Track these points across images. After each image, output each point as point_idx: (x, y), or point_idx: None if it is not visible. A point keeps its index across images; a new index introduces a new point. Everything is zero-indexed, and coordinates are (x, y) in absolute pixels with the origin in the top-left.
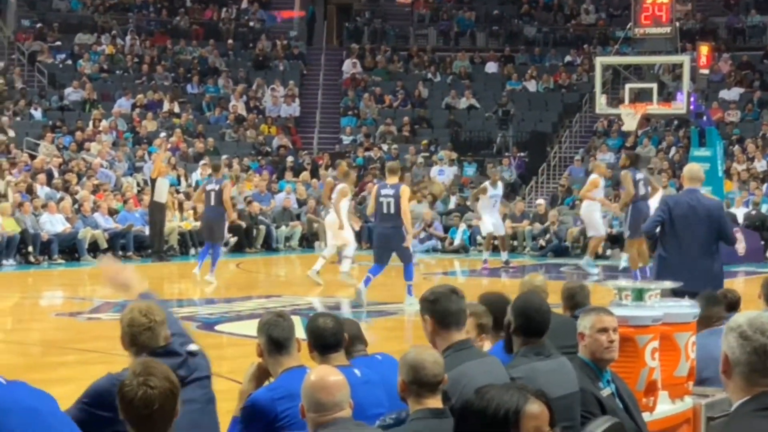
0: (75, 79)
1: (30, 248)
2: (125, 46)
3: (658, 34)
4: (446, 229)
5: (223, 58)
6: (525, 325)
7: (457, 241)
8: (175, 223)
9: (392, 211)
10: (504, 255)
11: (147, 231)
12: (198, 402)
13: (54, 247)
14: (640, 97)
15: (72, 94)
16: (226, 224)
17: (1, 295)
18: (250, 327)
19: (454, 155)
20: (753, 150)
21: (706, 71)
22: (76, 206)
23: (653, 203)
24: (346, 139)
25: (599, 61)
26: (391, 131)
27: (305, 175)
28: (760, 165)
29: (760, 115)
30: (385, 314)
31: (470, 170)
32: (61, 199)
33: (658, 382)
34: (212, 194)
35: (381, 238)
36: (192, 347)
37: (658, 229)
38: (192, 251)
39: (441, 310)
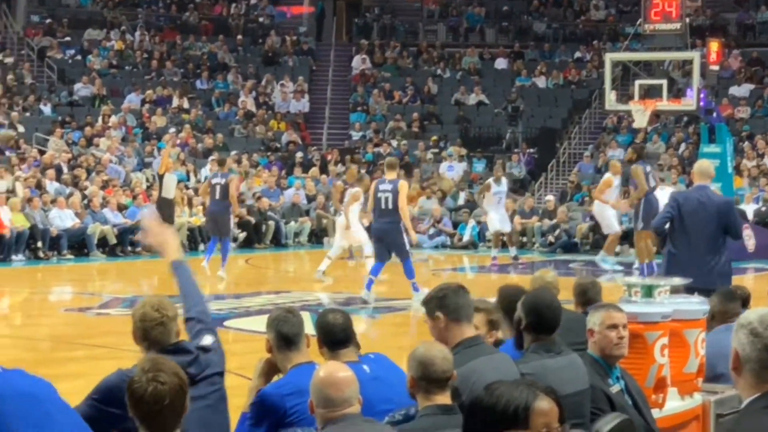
0: (84, 74)
1: (39, 243)
2: (134, 41)
3: (668, 30)
4: (455, 225)
5: (232, 54)
6: (536, 322)
7: (466, 237)
8: (184, 218)
9: (390, 206)
10: (512, 250)
11: None
12: (209, 400)
13: (63, 242)
14: (650, 93)
15: (81, 89)
16: (232, 218)
17: (11, 290)
18: (259, 323)
19: (464, 151)
20: (763, 146)
21: (716, 67)
22: (85, 202)
23: (659, 195)
24: (356, 135)
25: (609, 57)
26: (400, 127)
27: (314, 170)
28: None
29: None
30: (393, 310)
31: (479, 166)
32: (71, 194)
33: (668, 379)
34: (218, 188)
35: (378, 233)
36: (206, 341)
37: (667, 226)
38: (201, 247)
39: (452, 305)
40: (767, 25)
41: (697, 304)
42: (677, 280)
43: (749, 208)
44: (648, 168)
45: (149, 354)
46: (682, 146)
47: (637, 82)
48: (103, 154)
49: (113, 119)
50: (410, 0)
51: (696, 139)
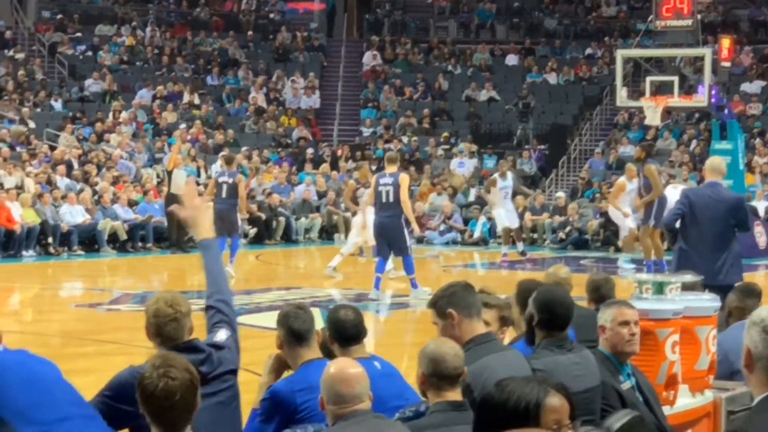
0: (95, 70)
1: (50, 239)
2: (145, 37)
3: (680, 26)
4: (466, 222)
5: (243, 50)
6: (548, 318)
7: (476, 234)
8: None
9: (391, 199)
10: (519, 246)
11: (166, 223)
12: (221, 397)
13: (74, 238)
14: (661, 89)
15: (92, 85)
16: (239, 216)
17: (21, 286)
18: (270, 319)
19: (474, 147)
20: None
21: (727, 64)
22: (95, 197)
23: (671, 193)
24: (366, 131)
25: (620, 53)
26: (411, 123)
27: (325, 167)
28: None
29: None
30: (404, 307)
31: (490, 162)
32: (81, 190)
33: (679, 376)
34: (224, 186)
35: (379, 227)
36: (219, 336)
37: (678, 223)
38: None
39: (462, 302)
40: None
41: (709, 301)
42: (688, 277)
43: (761, 205)
44: (658, 166)
45: (161, 350)
46: (693, 143)
47: (649, 79)
48: (113, 150)
49: (124, 115)
50: None
51: (707, 136)
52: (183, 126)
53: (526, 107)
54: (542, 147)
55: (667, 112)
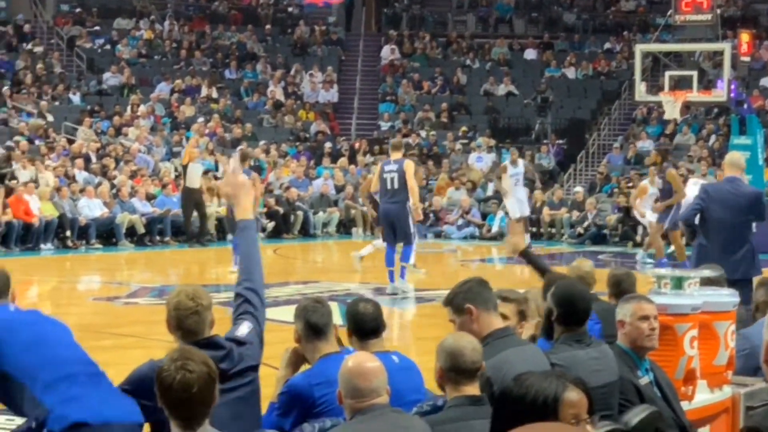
0: (113, 63)
1: (68, 233)
2: (164, 31)
3: (699, 21)
4: (484, 216)
5: (261, 44)
6: (567, 313)
7: (494, 228)
8: (213, 208)
9: (396, 186)
10: (526, 237)
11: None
12: (240, 392)
13: (91, 231)
14: (680, 84)
15: (110, 78)
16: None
17: (39, 279)
18: (287, 313)
19: (493, 142)
20: None
21: (747, 59)
22: (113, 191)
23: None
24: (384, 125)
25: (639, 48)
26: (429, 117)
27: (343, 161)
28: None
29: None
30: (424, 300)
31: (508, 157)
32: (99, 183)
33: (697, 371)
34: None
35: (386, 214)
36: (241, 331)
37: (697, 218)
38: (229, 236)
39: (480, 297)
40: None
41: (727, 296)
42: (707, 272)
43: None
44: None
45: (181, 345)
46: (713, 138)
47: (668, 74)
48: (131, 144)
49: (142, 108)
50: None
51: (726, 131)
52: (201, 120)
53: (544, 102)
54: (560, 142)
55: (686, 106)
